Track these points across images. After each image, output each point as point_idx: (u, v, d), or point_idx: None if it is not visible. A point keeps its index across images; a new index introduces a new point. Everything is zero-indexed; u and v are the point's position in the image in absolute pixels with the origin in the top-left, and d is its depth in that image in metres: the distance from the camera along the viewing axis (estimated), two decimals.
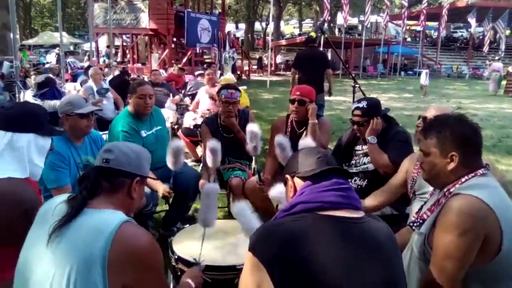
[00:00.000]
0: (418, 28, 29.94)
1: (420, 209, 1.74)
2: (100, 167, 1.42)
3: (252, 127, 2.69)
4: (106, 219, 1.29)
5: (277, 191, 1.88)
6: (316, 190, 1.30)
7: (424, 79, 14.15)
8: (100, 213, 1.32)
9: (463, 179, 1.50)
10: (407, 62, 27.41)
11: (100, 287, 1.20)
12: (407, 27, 28.73)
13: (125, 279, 1.25)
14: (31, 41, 28.54)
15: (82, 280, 1.20)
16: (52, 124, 1.93)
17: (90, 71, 6.46)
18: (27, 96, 5.38)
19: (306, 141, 2.33)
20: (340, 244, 1.20)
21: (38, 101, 5.17)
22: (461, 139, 1.52)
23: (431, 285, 1.44)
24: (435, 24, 29.64)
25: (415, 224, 1.61)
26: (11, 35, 9.40)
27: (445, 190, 1.55)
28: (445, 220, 1.43)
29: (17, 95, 6.74)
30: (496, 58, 21.76)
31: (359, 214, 1.29)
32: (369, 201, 2.39)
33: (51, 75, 7.67)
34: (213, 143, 2.47)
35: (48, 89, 5.71)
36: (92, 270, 1.20)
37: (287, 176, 1.44)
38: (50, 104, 5.11)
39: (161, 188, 2.77)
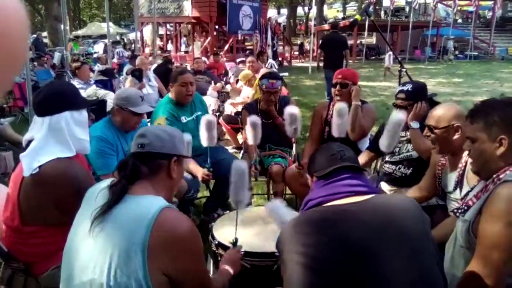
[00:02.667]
0: (470, 9, 28.22)
1: (466, 195, 1.66)
2: (136, 152, 1.43)
3: (291, 109, 2.67)
4: (145, 206, 1.29)
5: (272, 206, 1.85)
6: (321, 185, 1.35)
7: (387, 61, 13.34)
8: (140, 200, 1.32)
9: None
10: (457, 45, 26.02)
11: (140, 273, 1.20)
12: (458, 8, 27.16)
13: (166, 266, 1.25)
14: (80, 32, 29.66)
15: (123, 267, 1.21)
16: (98, 113, 2.01)
17: (137, 60, 6.60)
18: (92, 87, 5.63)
19: (340, 104, 2.44)
20: (340, 232, 1.20)
21: (90, 88, 5.39)
22: (510, 121, 1.43)
23: (475, 275, 1.37)
24: (489, 3, 27.81)
25: (459, 211, 1.53)
26: (62, 26, 9.83)
27: (494, 176, 1.46)
28: (493, 208, 1.35)
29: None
30: None
31: (365, 198, 1.28)
32: (412, 193, 2.32)
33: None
34: (253, 117, 2.50)
35: (107, 79, 5.97)
36: (132, 258, 1.21)
37: (308, 176, 1.49)
38: (101, 93, 5.32)
39: (200, 172, 2.82)
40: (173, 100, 3.17)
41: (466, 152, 1.97)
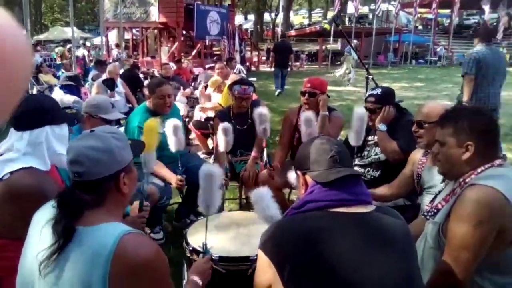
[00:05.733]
0: (430, 16, 29.40)
1: (434, 198, 1.75)
2: (76, 182, 1.27)
3: (261, 109, 2.70)
4: (101, 241, 1.15)
5: (293, 176, 1.86)
6: (326, 188, 1.30)
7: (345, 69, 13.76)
8: (94, 233, 1.18)
9: (479, 170, 1.50)
10: (418, 50, 27.01)
11: None
12: (419, 15, 28.24)
13: None
14: (41, 37, 28.75)
15: None
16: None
17: (109, 67, 6.38)
18: (57, 92, 5.43)
19: (307, 114, 2.38)
20: (352, 239, 1.20)
21: (56, 94, 5.24)
22: (478, 129, 1.51)
23: (445, 275, 1.45)
24: (447, 11, 29.11)
25: (429, 214, 1.61)
26: (24, 31, 9.50)
27: (460, 180, 1.54)
28: (461, 210, 1.43)
29: (29, 91, 6.81)
30: None
31: (369, 209, 1.29)
32: (382, 191, 2.40)
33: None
34: (225, 124, 2.50)
35: (73, 84, 5.79)
36: None
37: (299, 172, 1.44)
38: (69, 99, 5.17)
39: (174, 178, 2.81)
40: (149, 109, 3.11)
41: None
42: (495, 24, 27.87)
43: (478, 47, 4.46)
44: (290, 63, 12.26)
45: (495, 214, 1.38)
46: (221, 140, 2.55)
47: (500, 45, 24.54)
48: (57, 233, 1.17)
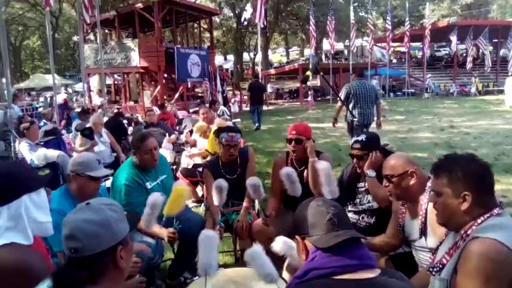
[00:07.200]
0: (403, 49, 30.55)
1: (436, 250, 1.73)
2: (72, 259, 1.23)
3: (251, 180, 2.66)
4: None
5: (279, 243, 1.80)
6: (328, 254, 1.29)
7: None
8: None
9: (479, 220, 1.50)
10: (395, 83, 27.85)
11: None
12: (392, 49, 29.35)
13: None
14: (22, 85, 28.66)
15: None
16: (52, 175, 1.84)
17: (92, 118, 6.29)
18: (22, 146, 5.30)
19: (322, 164, 2.44)
20: None
21: (39, 150, 5.12)
22: (473, 178, 1.52)
23: None
24: (419, 44, 30.40)
25: (434, 269, 1.59)
26: (4, 80, 9.37)
27: (462, 232, 1.54)
28: (467, 266, 1.42)
29: (12, 144, 6.65)
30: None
31: (375, 273, 1.27)
32: (380, 244, 2.38)
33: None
34: (220, 181, 2.46)
35: (54, 138, 5.70)
36: None
37: (297, 237, 1.42)
38: (53, 154, 5.06)
39: (165, 232, 2.71)
40: (136, 165, 3.04)
41: (425, 199, 2.08)
42: (464, 54, 29.15)
43: (354, 82, 6.65)
44: (264, 100, 14.36)
45: (501, 267, 1.38)
46: (216, 197, 2.50)
47: (472, 75, 25.66)
48: None
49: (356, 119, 6.09)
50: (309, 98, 21.34)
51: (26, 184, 1.66)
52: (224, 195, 2.49)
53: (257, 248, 1.74)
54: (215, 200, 2.53)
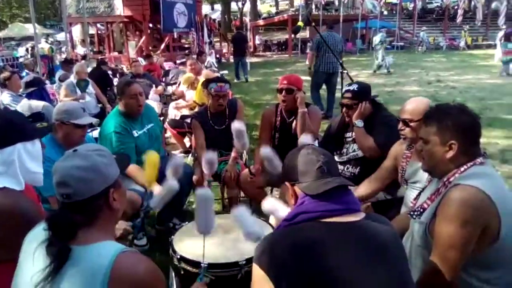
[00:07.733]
0: (394, 1, 29.86)
1: (418, 196, 1.80)
2: (65, 204, 1.26)
3: (236, 124, 2.64)
4: (97, 260, 1.16)
5: (269, 204, 1.79)
6: (316, 199, 1.33)
7: None
8: (89, 252, 1.19)
9: (462, 168, 1.55)
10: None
11: None
12: (384, 0, 28.65)
13: None
14: (0, 34, 27.56)
15: None
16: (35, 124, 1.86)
17: (76, 67, 6.17)
18: (4, 97, 5.19)
19: (305, 139, 2.30)
20: (347, 249, 1.23)
21: (22, 101, 5.02)
22: (461, 128, 1.56)
23: (433, 274, 1.50)
24: None
25: (415, 213, 1.66)
26: None
27: (444, 179, 1.59)
28: (446, 211, 1.48)
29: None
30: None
31: (359, 217, 1.33)
32: (362, 189, 2.44)
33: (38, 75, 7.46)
34: (210, 155, 2.40)
35: (36, 89, 5.57)
36: None
37: (287, 183, 1.45)
38: (38, 104, 4.96)
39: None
40: (123, 113, 3.05)
41: None
42: (455, 7, 28.65)
43: (323, 32, 7.41)
44: (247, 51, 15.09)
45: (479, 214, 1.45)
46: (206, 169, 2.44)
47: (462, 28, 25.32)
48: (52, 255, 1.16)
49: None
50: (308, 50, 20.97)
51: (22, 133, 1.68)
52: (214, 167, 2.44)
53: (242, 209, 1.77)
54: (206, 171, 2.47)
